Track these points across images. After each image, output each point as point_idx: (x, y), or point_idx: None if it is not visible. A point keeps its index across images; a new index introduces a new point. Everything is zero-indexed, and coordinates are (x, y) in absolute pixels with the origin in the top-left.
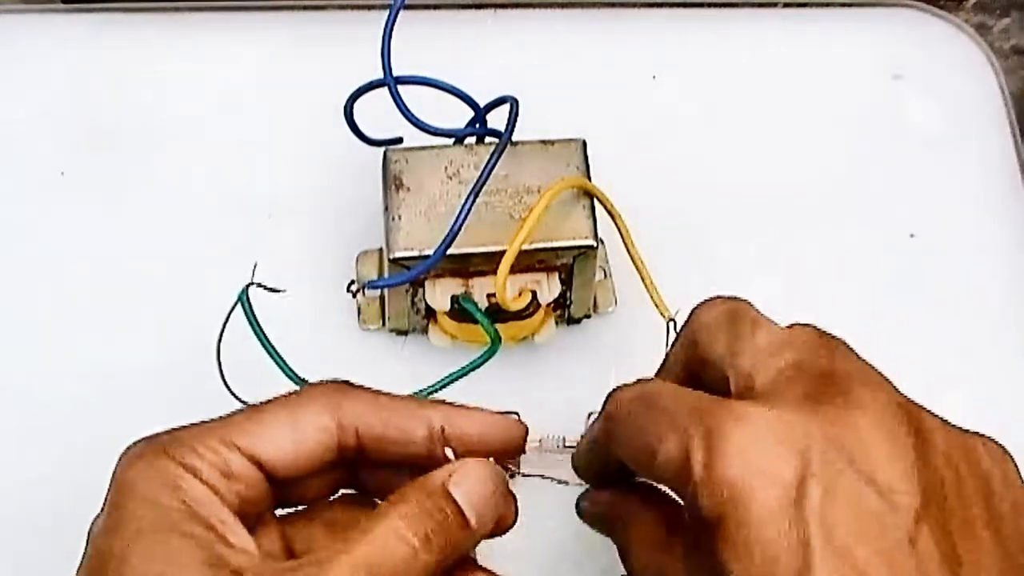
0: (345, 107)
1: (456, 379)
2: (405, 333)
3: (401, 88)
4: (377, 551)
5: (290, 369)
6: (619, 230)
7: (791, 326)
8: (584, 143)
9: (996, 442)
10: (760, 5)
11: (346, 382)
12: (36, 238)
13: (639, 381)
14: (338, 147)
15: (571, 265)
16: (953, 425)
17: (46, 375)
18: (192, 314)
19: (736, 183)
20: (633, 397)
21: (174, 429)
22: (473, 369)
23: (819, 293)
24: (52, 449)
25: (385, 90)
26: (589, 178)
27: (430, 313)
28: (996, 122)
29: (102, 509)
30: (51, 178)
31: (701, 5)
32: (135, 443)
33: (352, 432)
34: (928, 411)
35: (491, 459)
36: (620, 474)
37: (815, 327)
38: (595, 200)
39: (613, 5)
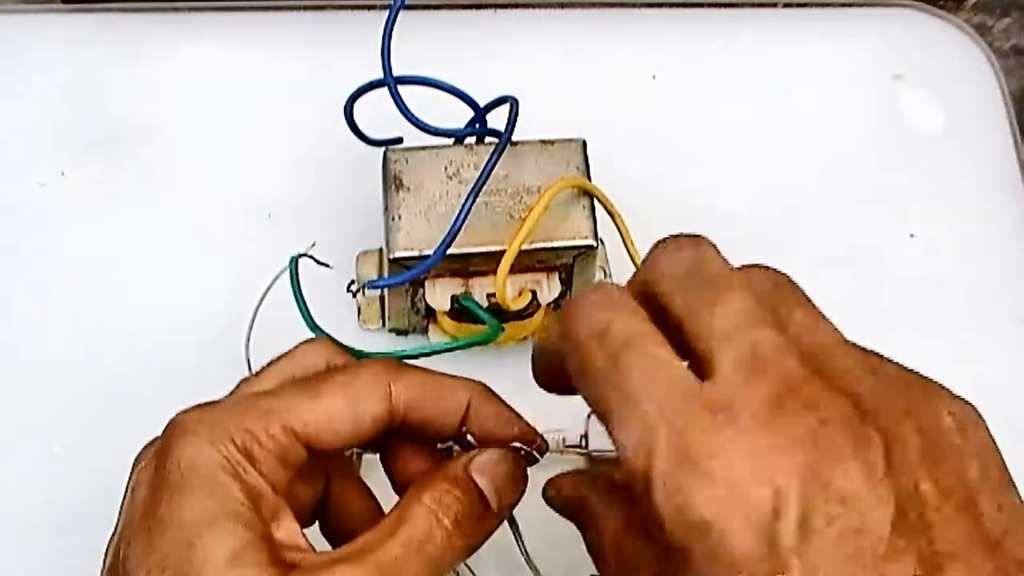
0: (345, 107)
1: (448, 351)
2: (405, 333)
3: (401, 88)
4: (420, 534)
5: (323, 332)
6: (619, 230)
7: (747, 270)
8: (584, 143)
9: (964, 402)
10: (760, 5)
11: (395, 362)
12: (36, 238)
13: (601, 292)
14: (338, 147)
15: (571, 265)
16: (913, 375)
17: (45, 374)
18: (193, 313)
19: (736, 183)
20: (595, 333)
21: (230, 401)
22: (468, 346)
23: (819, 293)
24: (55, 451)
25: (385, 90)
26: (589, 178)
27: (430, 313)
28: (996, 122)
29: (149, 467)
30: (51, 178)
31: (701, 5)
32: (188, 414)
33: (400, 414)
34: (885, 381)
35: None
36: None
37: (772, 275)
38: (595, 200)
39: (613, 5)
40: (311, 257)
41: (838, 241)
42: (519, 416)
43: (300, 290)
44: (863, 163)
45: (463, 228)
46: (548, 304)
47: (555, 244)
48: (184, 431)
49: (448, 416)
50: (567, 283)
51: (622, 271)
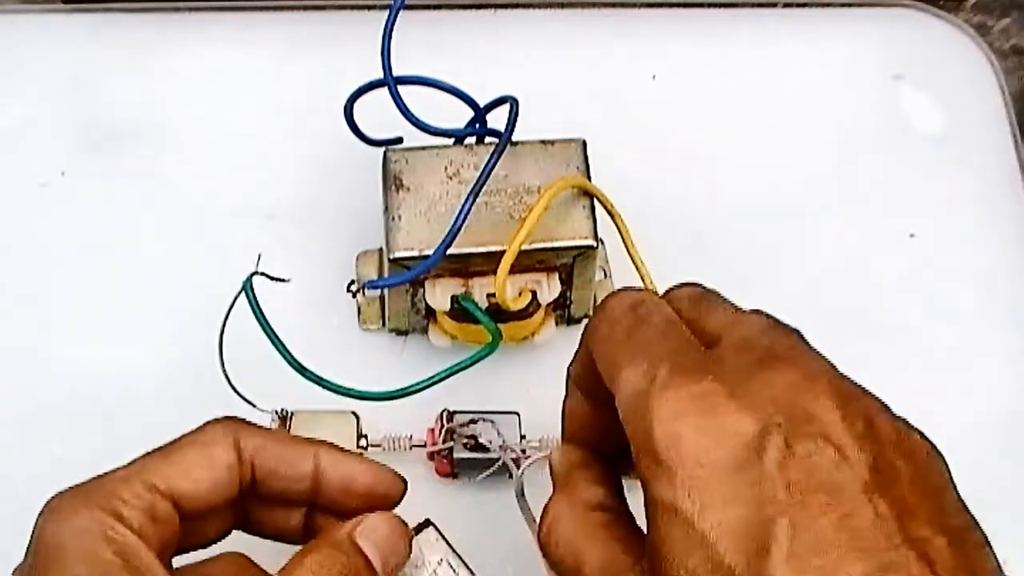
0: (345, 107)
1: (455, 372)
2: (405, 333)
3: (401, 88)
4: None
5: (292, 357)
6: (619, 230)
7: (747, 311)
8: (584, 143)
9: (928, 439)
10: (760, 5)
11: (240, 419)
12: (36, 238)
13: (635, 290)
14: (338, 147)
15: (571, 265)
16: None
17: (45, 374)
18: (192, 313)
19: (736, 183)
20: (628, 305)
21: (92, 479)
22: (472, 363)
23: (819, 293)
24: (54, 449)
25: (385, 90)
26: (589, 178)
27: (430, 313)
28: (996, 122)
29: (25, 560)
30: (51, 178)
31: (701, 5)
32: (54, 497)
33: (248, 466)
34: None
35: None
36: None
37: (768, 315)
38: (595, 200)
39: (613, 5)
40: (264, 274)
41: (838, 241)
42: (373, 464)
43: (260, 309)
44: (863, 163)
45: (463, 228)
46: (548, 304)
47: (555, 244)
48: (51, 511)
49: (299, 470)
50: (567, 283)
51: (622, 271)
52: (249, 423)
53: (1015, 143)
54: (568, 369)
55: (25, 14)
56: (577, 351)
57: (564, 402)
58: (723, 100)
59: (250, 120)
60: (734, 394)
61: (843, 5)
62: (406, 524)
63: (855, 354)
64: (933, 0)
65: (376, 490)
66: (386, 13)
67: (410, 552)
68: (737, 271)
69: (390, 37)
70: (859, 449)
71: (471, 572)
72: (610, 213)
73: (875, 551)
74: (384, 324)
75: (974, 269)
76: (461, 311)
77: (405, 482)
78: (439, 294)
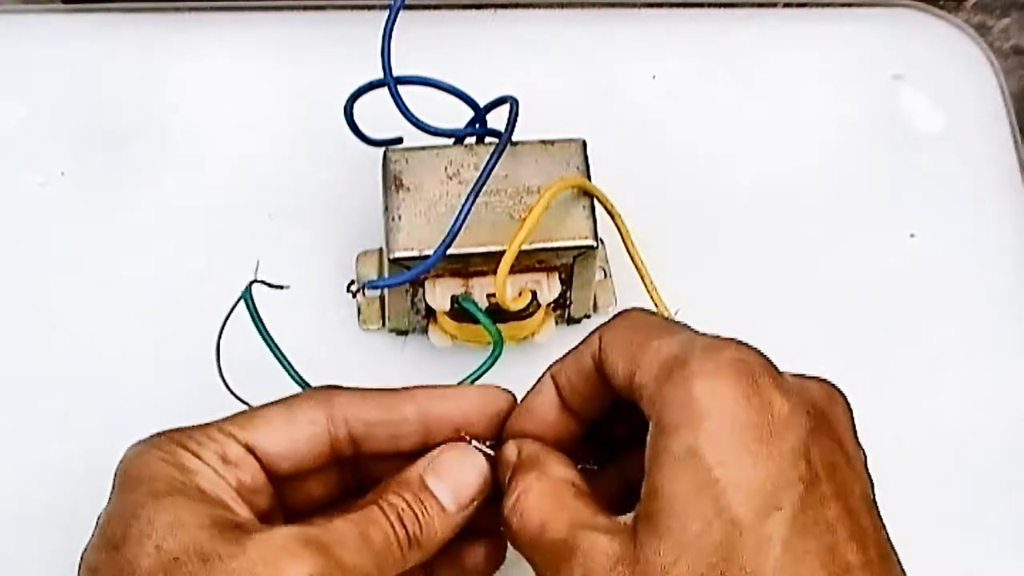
0: (345, 107)
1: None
2: (405, 333)
3: (401, 88)
4: (365, 522)
5: (292, 367)
6: (619, 230)
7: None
8: (584, 143)
9: (831, 383)
10: (760, 5)
11: (334, 387)
12: (36, 238)
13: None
14: (338, 147)
15: (571, 265)
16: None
17: (46, 374)
18: (192, 314)
19: (736, 183)
20: (648, 313)
21: (172, 429)
22: (479, 375)
23: (819, 293)
24: (52, 449)
25: (385, 90)
26: (589, 178)
27: (430, 313)
28: (996, 122)
29: (109, 499)
30: (51, 178)
31: (701, 5)
32: (135, 443)
33: (343, 425)
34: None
35: (472, 442)
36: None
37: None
38: (595, 200)
39: (613, 5)
40: (263, 282)
41: (838, 241)
42: (473, 390)
43: (260, 319)
44: (863, 163)
45: (463, 228)
46: (548, 304)
47: (555, 244)
48: (131, 449)
49: (399, 423)
50: (567, 283)
51: (622, 271)
52: (343, 388)
53: (1015, 143)
54: (550, 373)
55: (25, 14)
56: (567, 356)
57: (531, 399)
58: (723, 100)
59: (250, 120)
60: (772, 375)
61: (843, 5)
62: (485, 456)
63: (855, 353)
64: (933, 0)
65: (485, 415)
66: (386, 13)
67: (489, 484)
68: (737, 271)
69: (390, 37)
70: (863, 466)
71: None
72: (610, 213)
73: (870, 546)
74: (384, 324)
75: (974, 269)
76: (461, 311)
77: (513, 395)
78: (439, 294)
